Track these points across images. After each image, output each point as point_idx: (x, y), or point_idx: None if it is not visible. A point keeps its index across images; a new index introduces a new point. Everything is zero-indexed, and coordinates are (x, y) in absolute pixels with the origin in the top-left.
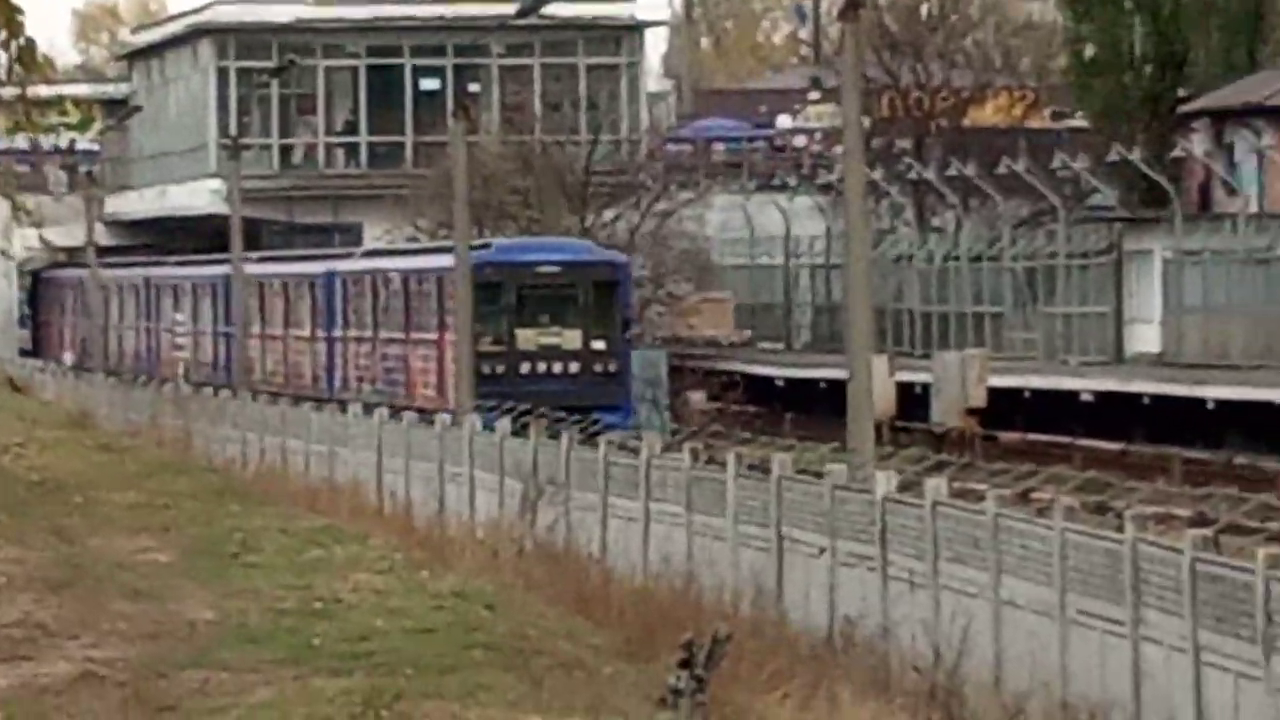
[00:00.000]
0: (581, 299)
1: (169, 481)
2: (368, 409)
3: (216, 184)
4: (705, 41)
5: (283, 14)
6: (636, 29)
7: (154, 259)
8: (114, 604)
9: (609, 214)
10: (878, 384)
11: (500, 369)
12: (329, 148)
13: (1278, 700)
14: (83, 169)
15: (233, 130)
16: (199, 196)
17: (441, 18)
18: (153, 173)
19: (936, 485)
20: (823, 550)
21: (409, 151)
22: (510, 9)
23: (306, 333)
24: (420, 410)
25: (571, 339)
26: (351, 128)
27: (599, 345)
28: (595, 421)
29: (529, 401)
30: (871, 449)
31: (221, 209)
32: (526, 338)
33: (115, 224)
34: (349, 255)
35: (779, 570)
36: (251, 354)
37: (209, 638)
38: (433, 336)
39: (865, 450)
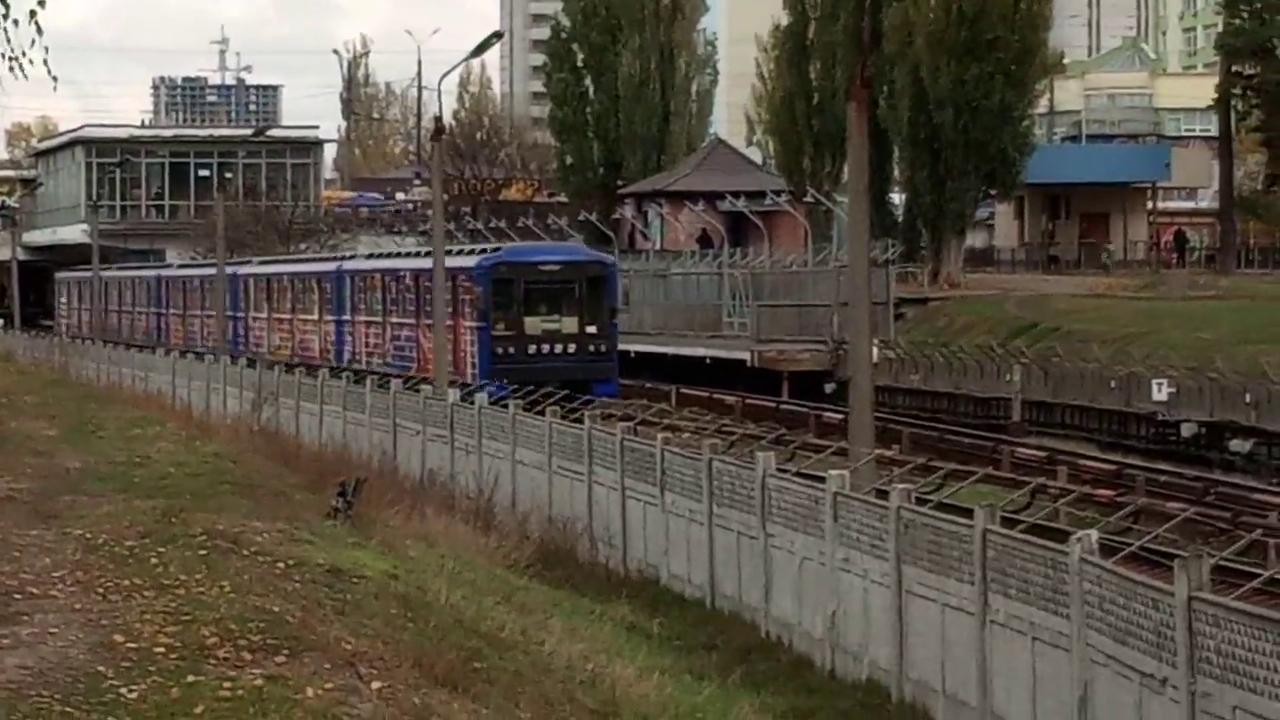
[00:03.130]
0: (577, 291)
1: (56, 390)
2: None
3: (84, 227)
4: (358, 151)
5: (122, 133)
6: (319, 143)
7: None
8: (24, 458)
9: (302, 246)
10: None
11: (512, 350)
12: (147, 208)
13: (668, 518)
14: (8, 217)
15: (94, 197)
16: (74, 234)
17: (211, 136)
18: (49, 220)
19: (482, 398)
20: (418, 432)
21: (191, 210)
22: (249, 133)
23: (315, 317)
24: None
25: (569, 324)
26: (159, 196)
27: (592, 329)
28: (590, 402)
29: (536, 378)
30: (445, 378)
31: (86, 241)
32: (532, 324)
33: (28, 248)
34: (351, 255)
35: (394, 442)
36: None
37: (77, 478)
38: (448, 322)
39: (440, 374)
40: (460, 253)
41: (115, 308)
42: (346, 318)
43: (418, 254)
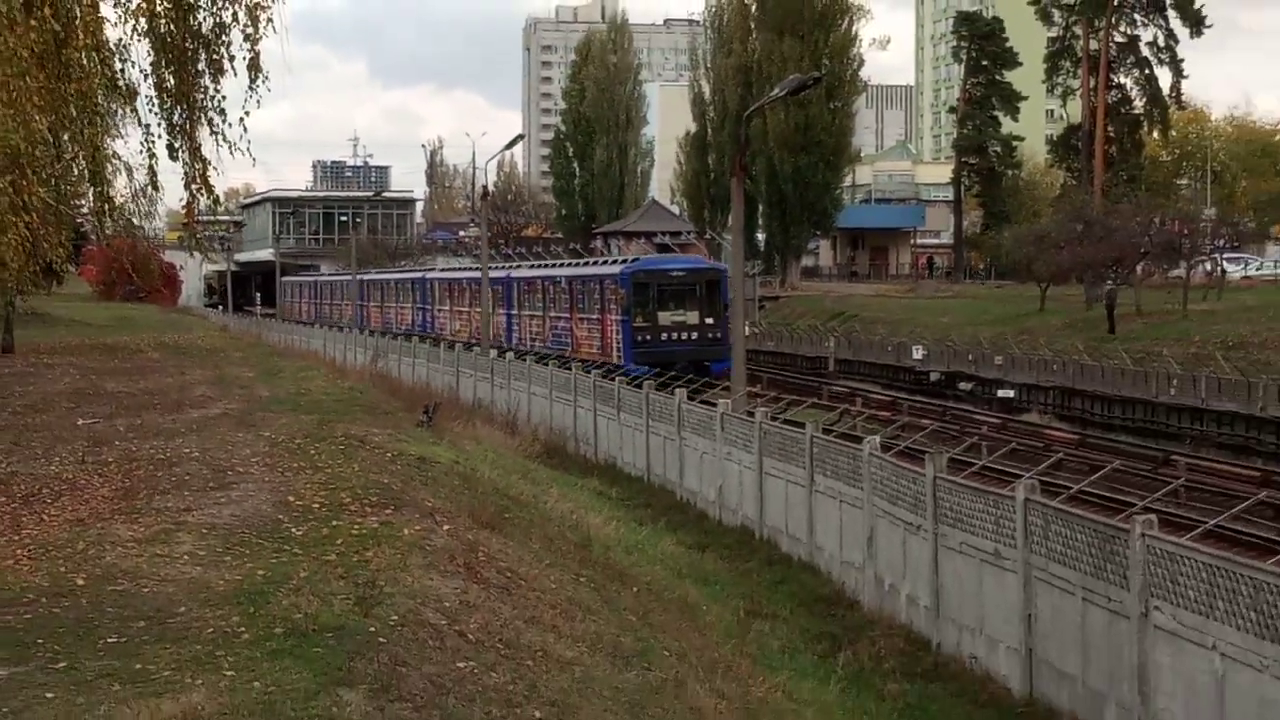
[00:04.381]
0: (698, 292)
1: (253, 349)
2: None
3: (271, 251)
4: (435, 206)
5: (294, 194)
6: (412, 202)
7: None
8: (233, 391)
9: (402, 263)
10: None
11: (648, 337)
12: (308, 239)
13: (622, 428)
14: (225, 245)
15: (277, 232)
16: (265, 255)
17: (347, 197)
18: (250, 246)
19: (510, 353)
20: (471, 375)
21: (336, 241)
22: (371, 195)
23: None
24: (585, 361)
25: (692, 318)
26: (317, 233)
27: (709, 321)
28: (709, 370)
29: (666, 359)
30: (490, 341)
31: (272, 260)
32: (664, 317)
33: (237, 263)
34: (517, 266)
35: (457, 381)
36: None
37: (266, 403)
38: (596, 316)
39: (486, 341)
40: (606, 263)
41: (327, 301)
42: (514, 311)
43: (569, 264)
